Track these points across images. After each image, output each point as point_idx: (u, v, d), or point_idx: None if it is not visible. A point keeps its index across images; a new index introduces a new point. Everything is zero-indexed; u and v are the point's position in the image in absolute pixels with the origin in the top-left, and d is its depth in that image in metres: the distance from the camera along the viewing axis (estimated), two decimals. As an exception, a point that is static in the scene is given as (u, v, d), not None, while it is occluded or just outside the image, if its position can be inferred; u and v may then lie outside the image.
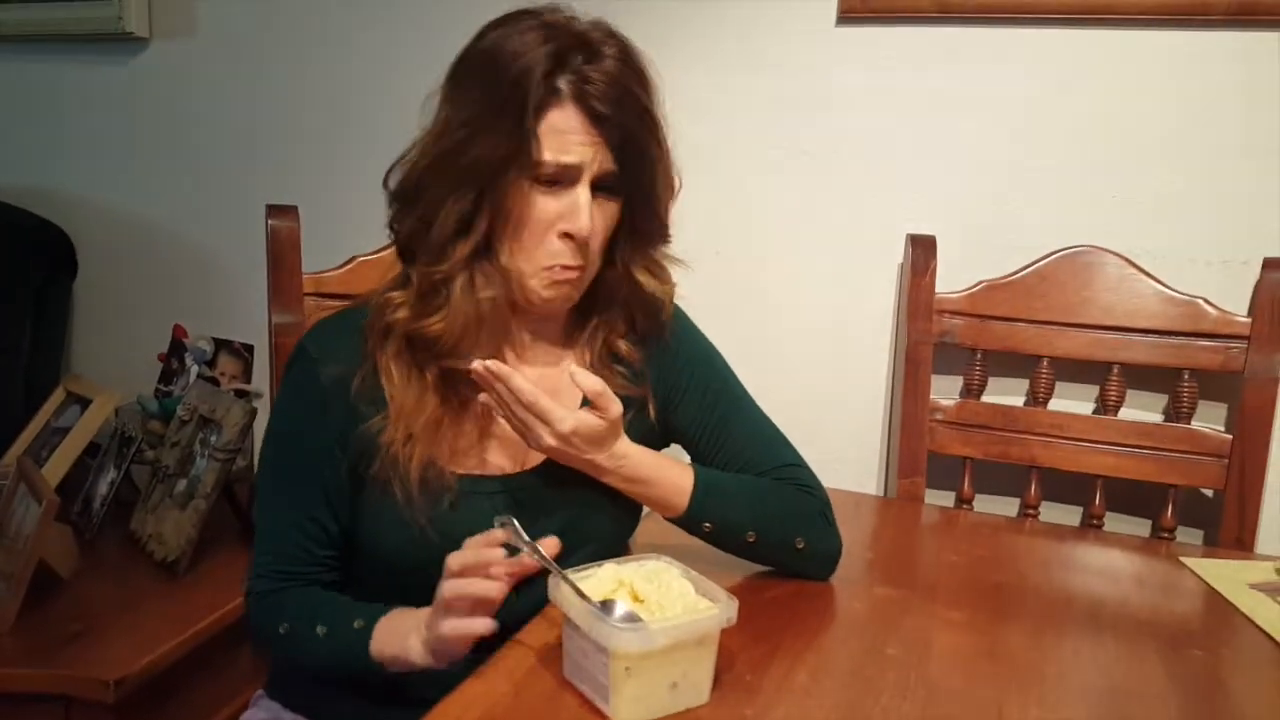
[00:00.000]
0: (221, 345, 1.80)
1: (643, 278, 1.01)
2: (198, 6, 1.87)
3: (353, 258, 1.30)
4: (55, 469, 1.60)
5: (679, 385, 1.07)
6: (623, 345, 1.04)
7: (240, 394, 1.68)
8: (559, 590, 0.81)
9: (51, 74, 1.98)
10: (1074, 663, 0.93)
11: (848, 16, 1.51)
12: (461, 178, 0.91)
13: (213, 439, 1.51)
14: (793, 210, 1.59)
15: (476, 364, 0.91)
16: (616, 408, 0.94)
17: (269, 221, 1.27)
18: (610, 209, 0.95)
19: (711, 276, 1.61)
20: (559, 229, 0.92)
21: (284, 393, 1.02)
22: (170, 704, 1.34)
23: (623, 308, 1.04)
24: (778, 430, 1.10)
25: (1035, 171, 1.48)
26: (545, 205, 0.92)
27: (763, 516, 1.02)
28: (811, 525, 1.04)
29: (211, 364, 1.79)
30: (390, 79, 1.73)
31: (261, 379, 1.73)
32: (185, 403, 1.60)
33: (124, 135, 1.96)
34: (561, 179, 0.91)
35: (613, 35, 0.93)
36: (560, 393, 0.96)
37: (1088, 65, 1.44)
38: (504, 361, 0.94)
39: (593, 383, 0.93)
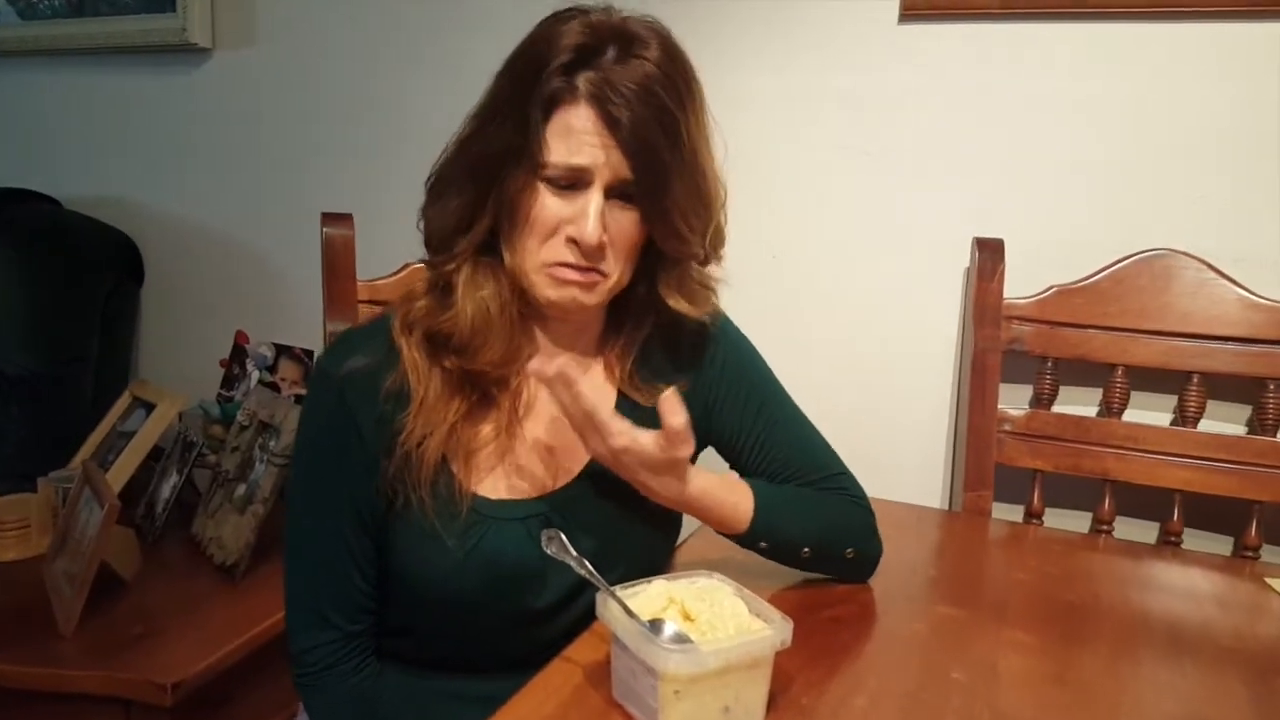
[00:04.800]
0: (282, 351, 1.81)
1: (671, 300, 0.95)
2: (259, 18, 1.90)
3: (406, 264, 1.30)
4: (120, 473, 1.63)
5: (719, 393, 1.03)
6: (658, 357, 1.00)
7: (299, 399, 1.69)
8: (607, 608, 0.79)
9: (119, 85, 2.04)
10: (1151, 690, 0.88)
11: (910, 14, 1.47)
12: (469, 169, 0.88)
13: (271, 444, 1.52)
14: (853, 212, 1.55)
15: (541, 366, 0.87)
16: (686, 450, 0.89)
17: (324, 229, 1.28)
18: (630, 218, 0.89)
19: (769, 280, 1.59)
20: (566, 233, 0.87)
21: (307, 420, 0.95)
22: (226, 708, 1.35)
23: (658, 325, 0.99)
24: (821, 437, 1.07)
25: (1107, 172, 1.42)
26: (555, 207, 0.87)
27: (817, 532, 1.01)
28: (860, 535, 1.04)
29: (273, 369, 1.81)
30: (444, 87, 1.73)
31: (320, 385, 1.74)
32: (245, 408, 1.62)
33: (188, 144, 2.00)
34: (573, 181, 0.86)
35: (657, 34, 0.86)
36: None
37: (1162, 61, 1.37)
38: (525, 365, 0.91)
39: (677, 421, 0.86)
